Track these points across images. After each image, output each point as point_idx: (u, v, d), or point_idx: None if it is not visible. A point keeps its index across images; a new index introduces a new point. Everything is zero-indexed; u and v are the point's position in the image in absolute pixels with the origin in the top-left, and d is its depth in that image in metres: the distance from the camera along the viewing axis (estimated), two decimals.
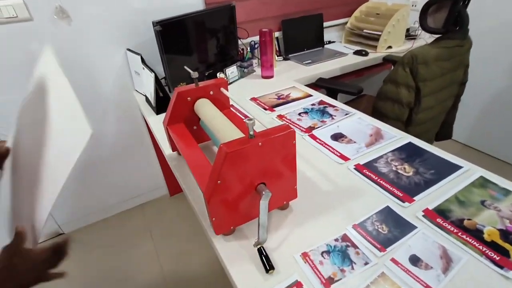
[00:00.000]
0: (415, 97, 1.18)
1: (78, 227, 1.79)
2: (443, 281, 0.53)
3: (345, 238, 0.63)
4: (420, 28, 1.88)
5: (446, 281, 0.53)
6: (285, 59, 1.80)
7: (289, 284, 0.55)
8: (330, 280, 0.55)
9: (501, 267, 0.55)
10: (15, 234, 0.47)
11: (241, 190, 0.61)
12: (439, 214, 0.66)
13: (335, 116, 1.10)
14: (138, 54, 1.33)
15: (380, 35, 1.74)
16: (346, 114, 1.10)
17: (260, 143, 0.58)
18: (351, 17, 1.94)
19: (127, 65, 1.49)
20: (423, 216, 0.66)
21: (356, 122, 1.05)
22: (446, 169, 0.79)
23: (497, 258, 0.56)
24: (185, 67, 0.92)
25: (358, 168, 0.83)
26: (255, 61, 1.68)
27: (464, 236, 0.61)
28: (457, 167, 0.79)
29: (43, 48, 0.66)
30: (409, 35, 1.92)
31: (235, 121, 0.81)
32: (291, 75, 1.55)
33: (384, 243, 0.61)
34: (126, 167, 1.75)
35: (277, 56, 1.78)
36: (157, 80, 1.21)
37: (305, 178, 0.81)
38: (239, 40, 1.63)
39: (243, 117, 1.11)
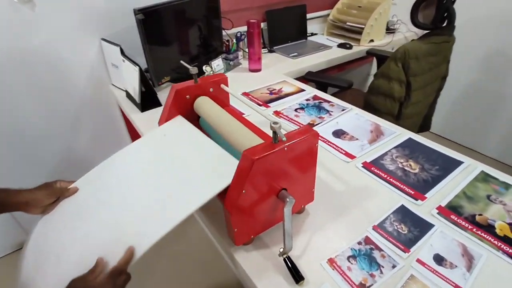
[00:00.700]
0: (405, 91, 1.21)
1: None
2: (470, 279, 0.54)
3: (367, 240, 0.62)
4: (399, 22, 1.93)
5: (472, 279, 0.54)
6: (270, 51, 1.75)
7: None
8: (362, 287, 0.54)
9: None
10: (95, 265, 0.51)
11: (264, 198, 0.57)
12: (452, 211, 0.68)
13: (332, 112, 1.09)
14: (116, 45, 1.21)
15: (363, 28, 1.75)
16: (343, 110, 1.10)
17: (285, 148, 0.54)
18: (333, 9, 1.94)
19: (102, 56, 1.35)
20: (437, 213, 0.67)
21: (354, 118, 1.05)
22: (449, 164, 0.82)
23: None
24: (182, 62, 0.85)
25: (366, 166, 0.82)
26: (240, 54, 1.61)
27: (479, 232, 0.63)
28: (458, 163, 0.82)
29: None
30: (388, 29, 1.96)
31: (245, 122, 0.76)
32: (279, 68, 1.52)
33: (406, 243, 0.61)
34: None
35: (262, 48, 1.73)
36: (142, 74, 1.11)
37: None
38: (223, 31, 1.55)
39: (243, 114, 1.06)
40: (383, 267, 0.57)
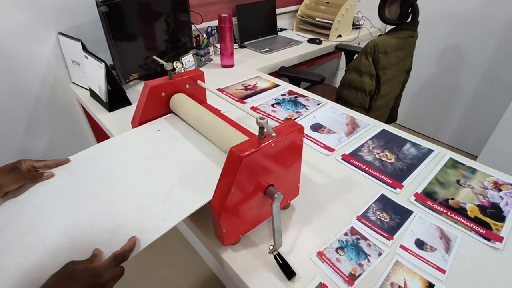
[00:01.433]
0: (375, 85, 1.25)
1: None
2: (449, 260, 0.58)
3: (353, 231, 0.64)
4: (363, 18, 2.00)
5: (451, 260, 0.58)
6: (241, 46, 1.73)
7: None
8: (352, 277, 0.55)
9: (488, 239, 0.62)
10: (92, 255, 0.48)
11: (251, 195, 0.56)
12: (427, 197, 0.72)
13: (308, 106, 1.10)
14: (77, 40, 1.11)
15: (331, 24, 1.79)
16: (318, 104, 1.11)
17: (273, 144, 0.53)
18: (302, 4, 1.96)
19: (60, 53, 1.24)
20: (415, 200, 0.71)
21: (330, 112, 1.07)
22: (421, 153, 0.86)
23: (483, 232, 0.63)
24: (154, 57, 0.80)
25: (346, 158, 0.84)
26: (211, 49, 1.57)
27: (453, 215, 0.67)
28: (429, 151, 0.87)
29: None
30: (354, 25, 2.02)
31: (226, 119, 0.74)
32: (252, 64, 1.50)
33: (389, 231, 0.64)
34: None
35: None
36: (108, 71, 1.03)
37: None
38: (192, 25, 1.50)
39: (219, 110, 1.03)
40: (370, 255, 0.59)
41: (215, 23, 1.63)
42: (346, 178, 0.78)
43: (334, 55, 1.96)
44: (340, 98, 1.33)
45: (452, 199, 0.71)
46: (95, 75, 1.08)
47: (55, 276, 0.42)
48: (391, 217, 0.67)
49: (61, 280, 0.42)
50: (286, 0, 1.95)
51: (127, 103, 1.11)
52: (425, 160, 0.83)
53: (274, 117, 1.04)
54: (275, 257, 0.56)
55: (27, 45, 1.16)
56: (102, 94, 1.07)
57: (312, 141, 0.91)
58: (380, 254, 0.59)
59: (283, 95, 1.18)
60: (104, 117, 1.06)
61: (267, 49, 1.67)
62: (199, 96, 0.85)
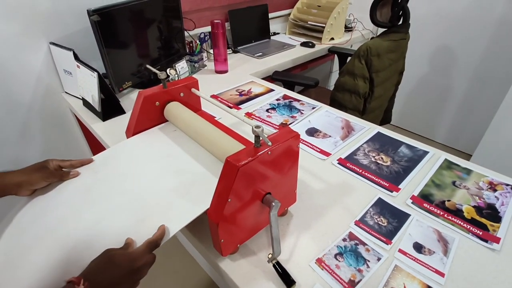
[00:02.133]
0: (368, 87, 1.26)
1: None
2: (447, 263, 0.58)
3: (352, 236, 0.64)
4: (355, 20, 2.02)
5: (449, 263, 0.58)
6: (235, 51, 1.73)
7: None
8: (352, 283, 0.55)
9: (485, 241, 0.62)
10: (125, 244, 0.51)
11: (249, 204, 0.55)
12: (424, 199, 0.72)
13: (303, 110, 1.11)
14: (69, 49, 1.10)
15: (323, 27, 1.80)
16: (313, 108, 1.12)
17: (269, 152, 0.53)
18: (294, 8, 1.97)
19: (51, 62, 1.23)
20: (412, 203, 0.71)
21: (325, 116, 1.07)
22: (416, 155, 0.87)
23: (480, 233, 0.63)
24: (147, 66, 0.80)
25: (342, 162, 0.84)
26: (204, 55, 1.57)
27: (450, 217, 0.67)
28: (424, 153, 0.87)
29: None
30: (346, 27, 2.04)
31: (221, 127, 0.74)
32: (246, 69, 1.50)
33: (387, 235, 0.64)
34: None
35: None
36: (101, 80, 1.03)
37: None
38: (185, 31, 1.50)
39: (214, 118, 1.03)
40: (369, 261, 0.59)
41: (208, 29, 1.63)
42: (343, 182, 0.78)
43: (327, 58, 1.97)
44: (334, 101, 1.34)
45: (449, 200, 0.71)
46: (87, 85, 1.07)
47: (96, 260, 0.45)
48: (389, 221, 0.67)
49: (103, 264, 0.45)
50: (278, 4, 1.96)
51: (121, 112, 1.11)
52: (420, 162, 0.84)
53: (270, 122, 1.04)
54: (274, 266, 0.56)
55: (17, 55, 1.14)
56: (95, 104, 1.06)
57: (308, 146, 0.91)
58: (379, 259, 0.59)
59: (277, 100, 1.18)
60: (97, 127, 1.05)
61: (260, 53, 1.67)
62: (193, 104, 0.85)
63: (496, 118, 1.62)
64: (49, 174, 0.63)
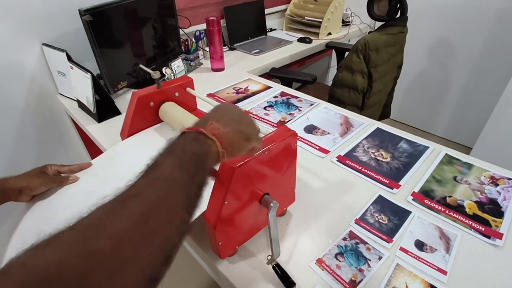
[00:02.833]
0: (367, 82, 1.25)
1: None
2: (450, 261, 0.57)
3: (352, 235, 0.62)
4: (353, 15, 1.99)
5: (452, 260, 0.57)
6: (231, 49, 1.71)
7: None
8: (353, 283, 0.54)
9: (488, 237, 0.61)
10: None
11: (246, 205, 0.54)
12: (425, 196, 0.71)
13: (301, 107, 1.09)
14: (62, 50, 1.09)
15: (320, 22, 1.78)
16: (311, 105, 1.10)
17: (266, 152, 0.52)
18: (290, 4, 1.95)
19: (45, 64, 1.21)
20: (413, 200, 0.70)
21: (323, 112, 1.06)
22: (416, 150, 0.85)
23: (483, 229, 0.62)
24: (141, 66, 0.78)
25: (341, 159, 0.83)
26: (200, 53, 1.55)
27: (451, 213, 0.66)
28: (425, 148, 0.86)
29: None
30: (343, 22, 2.02)
31: None
32: (243, 66, 1.48)
33: (388, 233, 0.63)
34: None
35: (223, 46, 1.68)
36: (95, 81, 1.01)
37: None
38: (180, 29, 1.48)
39: None
40: (370, 260, 0.58)
41: (204, 26, 1.61)
42: (343, 180, 0.77)
43: (325, 53, 1.95)
44: (332, 97, 1.32)
45: (450, 196, 0.70)
46: (82, 86, 1.06)
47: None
48: (390, 218, 0.66)
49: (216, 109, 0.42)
50: None
51: (117, 112, 1.09)
52: (421, 158, 0.82)
53: (267, 120, 1.03)
54: (273, 267, 0.55)
55: (9, 56, 1.12)
56: (90, 105, 1.05)
57: (307, 143, 0.90)
58: (380, 258, 0.58)
59: (275, 97, 1.17)
60: (93, 128, 1.04)
61: (257, 50, 1.65)
62: (189, 103, 0.84)
63: (496, 111, 1.61)
64: (49, 180, 0.63)
